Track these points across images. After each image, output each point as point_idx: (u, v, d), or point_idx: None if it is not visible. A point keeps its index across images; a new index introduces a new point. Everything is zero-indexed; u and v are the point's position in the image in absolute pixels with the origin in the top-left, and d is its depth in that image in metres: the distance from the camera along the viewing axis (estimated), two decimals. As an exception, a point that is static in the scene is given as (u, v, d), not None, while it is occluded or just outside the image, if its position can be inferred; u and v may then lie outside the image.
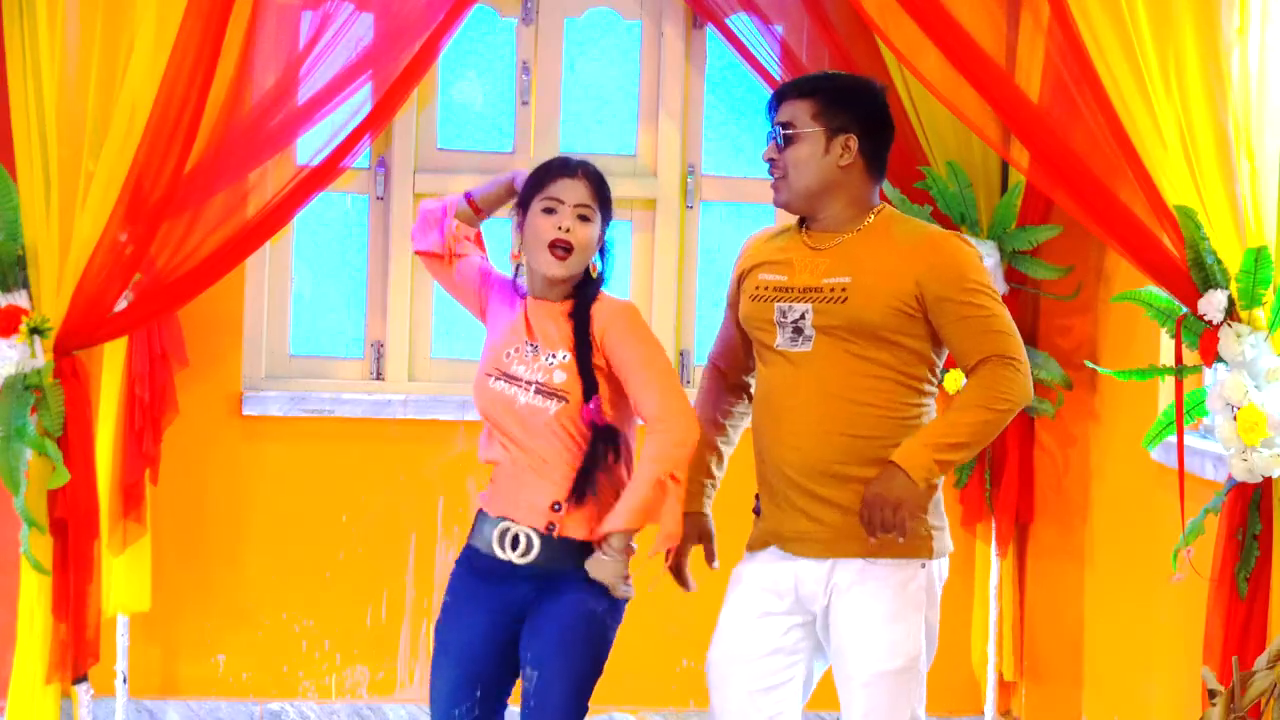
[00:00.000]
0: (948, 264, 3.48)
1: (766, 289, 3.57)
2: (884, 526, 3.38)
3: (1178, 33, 3.87)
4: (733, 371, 3.76)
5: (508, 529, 3.67)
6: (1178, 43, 3.87)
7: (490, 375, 3.71)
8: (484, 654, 3.70)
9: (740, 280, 3.68)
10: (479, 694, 3.70)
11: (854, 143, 3.53)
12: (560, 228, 3.62)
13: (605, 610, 3.66)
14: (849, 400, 3.47)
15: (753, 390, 3.71)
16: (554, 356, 3.64)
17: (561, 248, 3.62)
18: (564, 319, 3.66)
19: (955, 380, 5.11)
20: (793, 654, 3.58)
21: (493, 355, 3.72)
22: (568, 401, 3.62)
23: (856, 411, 3.47)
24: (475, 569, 3.74)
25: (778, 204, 3.60)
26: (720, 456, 3.77)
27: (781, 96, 3.58)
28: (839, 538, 3.49)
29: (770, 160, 3.57)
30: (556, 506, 3.63)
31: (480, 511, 3.77)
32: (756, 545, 3.62)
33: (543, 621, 3.65)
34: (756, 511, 3.66)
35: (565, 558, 3.64)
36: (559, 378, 3.63)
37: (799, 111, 3.53)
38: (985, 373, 3.43)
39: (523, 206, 3.70)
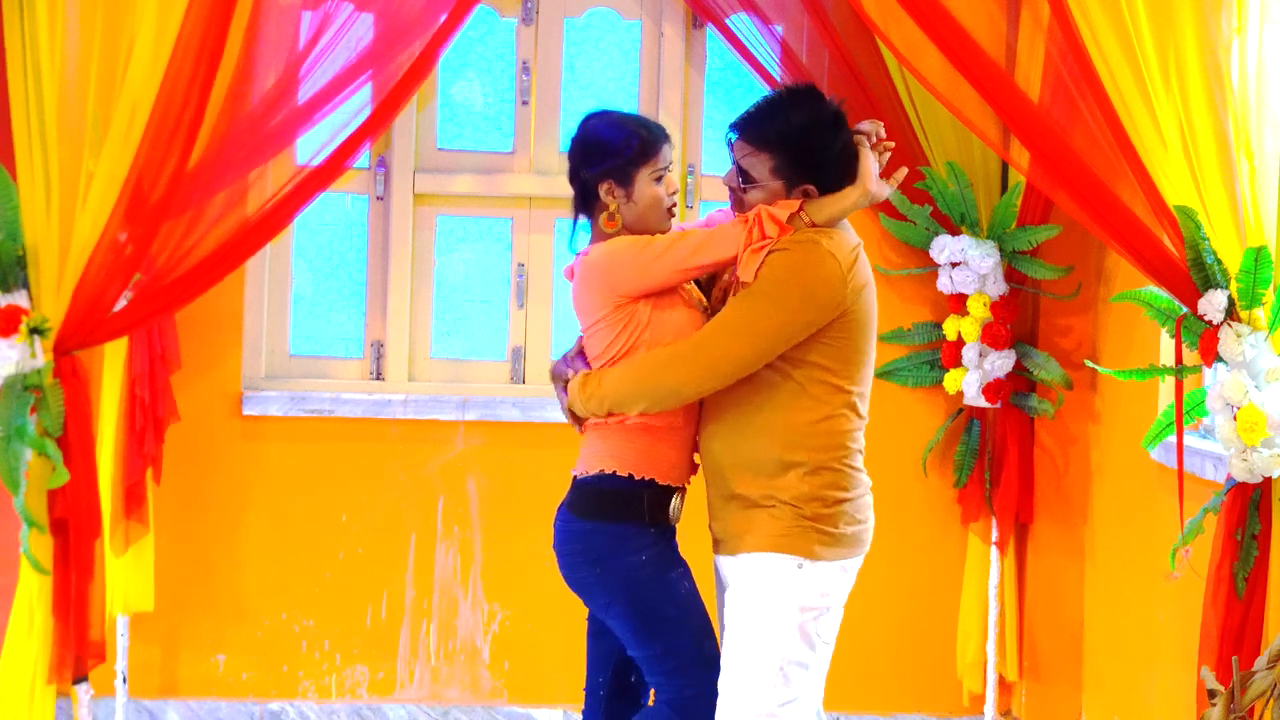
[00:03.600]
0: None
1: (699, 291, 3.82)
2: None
3: (1178, 33, 3.87)
4: None
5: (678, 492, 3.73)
6: (1178, 43, 3.87)
7: None
8: None
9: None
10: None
11: (814, 190, 3.59)
12: (672, 192, 3.71)
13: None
14: (736, 401, 3.58)
15: None
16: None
17: (672, 211, 3.73)
18: None
19: (955, 381, 5.12)
20: None
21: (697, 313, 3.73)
22: None
23: (743, 412, 3.58)
24: (667, 537, 3.73)
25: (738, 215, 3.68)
26: None
27: (738, 133, 3.61)
28: (728, 535, 3.62)
29: (730, 186, 3.66)
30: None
31: (657, 484, 3.67)
32: None
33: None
34: None
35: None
36: None
37: (757, 164, 3.58)
38: None
39: (618, 179, 3.66)
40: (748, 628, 3.55)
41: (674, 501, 3.67)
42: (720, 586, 3.72)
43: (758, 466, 3.56)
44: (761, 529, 3.55)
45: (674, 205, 3.71)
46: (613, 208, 3.67)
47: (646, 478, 3.64)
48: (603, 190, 3.67)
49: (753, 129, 3.60)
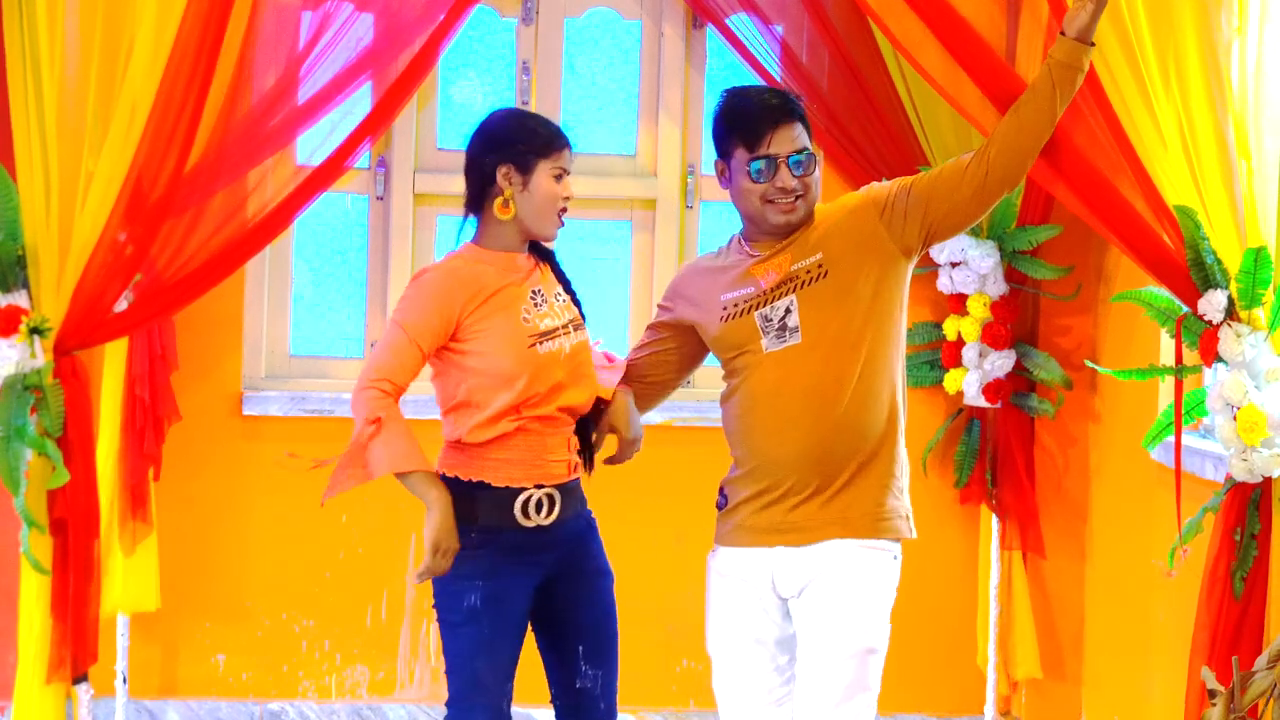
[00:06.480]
0: (882, 182, 3.63)
1: (738, 304, 3.59)
2: None
3: (1178, 33, 3.87)
4: (663, 381, 3.83)
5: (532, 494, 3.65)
6: (1178, 43, 3.87)
7: (531, 346, 3.62)
8: (521, 634, 3.72)
9: (676, 308, 3.74)
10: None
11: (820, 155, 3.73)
12: (566, 197, 3.66)
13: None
14: (839, 384, 3.49)
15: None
16: (558, 298, 3.74)
17: (561, 217, 3.68)
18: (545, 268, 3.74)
19: (955, 381, 5.12)
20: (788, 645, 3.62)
21: (519, 328, 3.64)
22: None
23: (847, 393, 3.50)
24: (504, 546, 3.65)
25: (787, 225, 3.57)
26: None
27: (780, 121, 3.54)
28: (823, 524, 3.51)
29: (792, 188, 3.54)
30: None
31: (491, 486, 3.64)
32: (739, 541, 3.61)
33: (589, 610, 3.73)
34: (720, 506, 3.67)
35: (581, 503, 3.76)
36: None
37: (805, 135, 3.57)
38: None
39: (518, 165, 3.61)
40: (867, 618, 3.49)
41: (519, 503, 3.61)
42: (744, 579, 3.60)
43: (863, 445, 3.51)
44: (888, 514, 3.53)
45: (565, 211, 3.64)
46: (508, 194, 3.61)
47: (475, 479, 3.64)
48: (500, 174, 3.60)
49: (789, 108, 3.58)
